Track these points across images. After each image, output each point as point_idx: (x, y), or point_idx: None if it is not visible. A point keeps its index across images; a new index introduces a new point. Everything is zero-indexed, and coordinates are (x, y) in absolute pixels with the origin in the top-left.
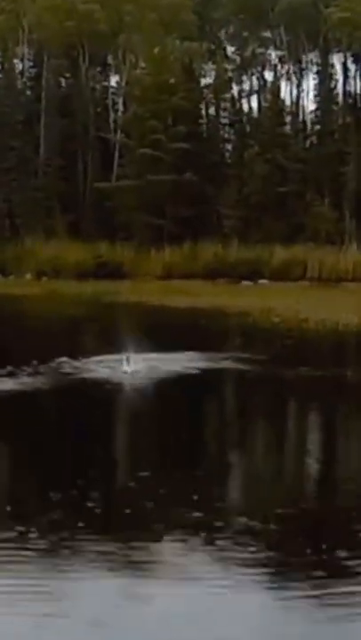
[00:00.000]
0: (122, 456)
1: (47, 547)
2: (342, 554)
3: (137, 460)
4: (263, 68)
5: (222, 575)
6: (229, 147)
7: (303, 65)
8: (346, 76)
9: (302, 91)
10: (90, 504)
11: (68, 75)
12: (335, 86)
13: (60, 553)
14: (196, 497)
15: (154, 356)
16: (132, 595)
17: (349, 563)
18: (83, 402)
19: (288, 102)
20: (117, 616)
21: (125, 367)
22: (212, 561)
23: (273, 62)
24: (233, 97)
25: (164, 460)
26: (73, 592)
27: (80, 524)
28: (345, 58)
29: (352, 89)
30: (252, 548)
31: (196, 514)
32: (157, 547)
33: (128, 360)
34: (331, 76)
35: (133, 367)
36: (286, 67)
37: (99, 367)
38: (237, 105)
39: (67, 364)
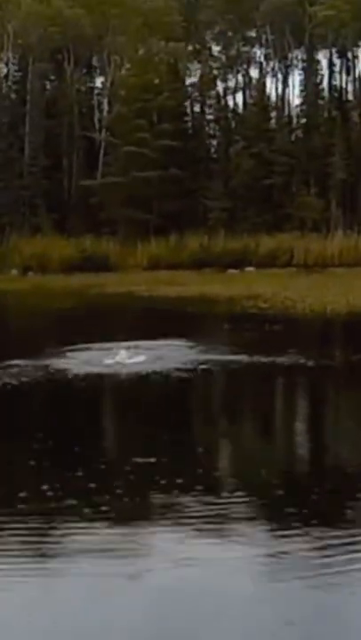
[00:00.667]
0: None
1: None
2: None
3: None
4: (249, 66)
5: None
6: (215, 142)
7: (288, 62)
8: (331, 71)
9: (288, 86)
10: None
11: (52, 77)
12: (321, 81)
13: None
14: None
15: (148, 344)
16: (128, 570)
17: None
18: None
19: (273, 98)
20: (114, 593)
21: (122, 358)
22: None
23: (258, 60)
24: (218, 94)
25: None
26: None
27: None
28: (330, 53)
29: (337, 83)
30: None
31: None
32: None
33: (125, 350)
34: (316, 72)
35: (132, 358)
36: (272, 64)
37: (99, 358)
38: (223, 102)
39: (64, 356)
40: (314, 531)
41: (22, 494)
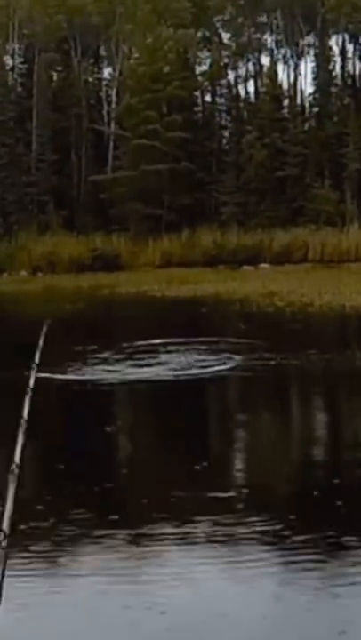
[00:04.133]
0: None
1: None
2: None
3: None
4: (259, 53)
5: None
6: (226, 133)
7: (300, 48)
8: (344, 58)
9: (300, 74)
10: None
11: (59, 68)
12: (333, 68)
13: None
14: None
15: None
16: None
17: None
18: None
19: (285, 86)
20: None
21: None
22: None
23: (269, 47)
24: (229, 83)
25: None
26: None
27: None
28: (343, 39)
29: (350, 70)
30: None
31: None
32: None
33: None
34: (329, 58)
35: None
36: (283, 51)
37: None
38: (234, 91)
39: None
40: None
41: None
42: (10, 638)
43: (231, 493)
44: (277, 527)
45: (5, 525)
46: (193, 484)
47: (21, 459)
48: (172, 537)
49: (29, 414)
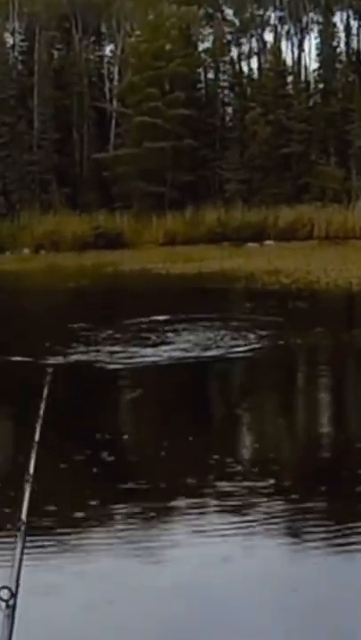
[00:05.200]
0: None
1: None
2: None
3: None
4: (263, 30)
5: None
6: (230, 110)
7: (304, 25)
8: (348, 34)
9: (303, 51)
10: None
11: (60, 46)
12: (338, 44)
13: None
14: None
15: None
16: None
17: None
18: None
19: (289, 62)
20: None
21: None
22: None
23: (273, 23)
24: (232, 60)
25: None
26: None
27: None
28: (347, 15)
29: (355, 46)
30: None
31: None
32: None
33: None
34: (333, 35)
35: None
36: (287, 27)
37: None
38: (237, 67)
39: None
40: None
41: None
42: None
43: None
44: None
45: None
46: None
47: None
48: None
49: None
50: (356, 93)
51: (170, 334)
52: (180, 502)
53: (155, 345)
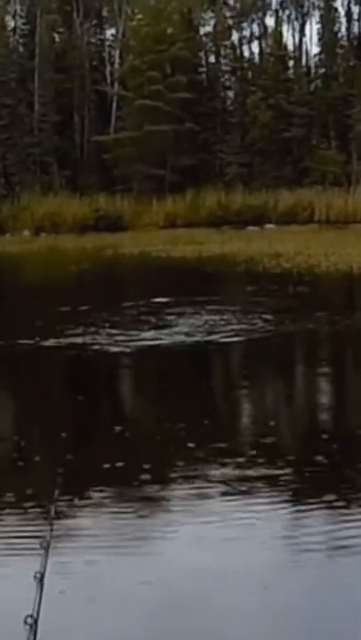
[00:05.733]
0: None
1: None
2: None
3: None
4: (264, 14)
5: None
6: (231, 94)
7: (305, 9)
8: (349, 19)
9: (305, 35)
10: None
11: (61, 29)
12: (339, 29)
13: None
14: None
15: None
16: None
17: None
18: None
19: (290, 47)
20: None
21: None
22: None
23: (274, 7)
24: (233, 44)
25: None
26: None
27: None
28: (348, 0)
29: (356, 31)
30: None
31: None
32: None
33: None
34: (334, 20)
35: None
36: (288, 11)
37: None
38: (238, 52)
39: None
40: None
41: None
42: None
43: None
44: None
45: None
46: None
47: None
48: None
49: None
50: (357, 78)
51: (169, 317)
52: (180, 484)
53: (154, 328)
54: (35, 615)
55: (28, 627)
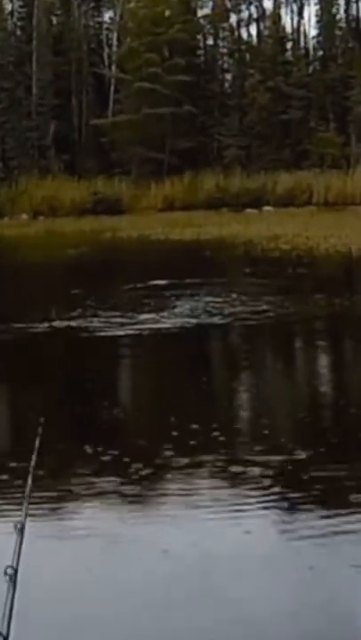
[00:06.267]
0: None
1: None
2: None
3: None
4: None
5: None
6: (229, 77)
7: None
8: (348, 1)
9: (303, 17)
10: None
11: (59, 12)
12: (337, 11)
13: None
14: None
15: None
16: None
17: None
18: None
19: (289, 29)
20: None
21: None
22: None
23: None
24: (231, 26)
25: None
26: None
27: None
28: None
29: (354, 13)
30: None
31: None
32: None
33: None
34: (332, 1)
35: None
36: None
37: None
38: (236, 34)
39: None
40: None
41: None
42: None
43: None
44: None
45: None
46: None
47: None
48: None
49: None
50: (356, 60)
51: (169, 300)
52: (180, 469)
53: (154, 311)
54: (15, 566)
55: (7, 577)
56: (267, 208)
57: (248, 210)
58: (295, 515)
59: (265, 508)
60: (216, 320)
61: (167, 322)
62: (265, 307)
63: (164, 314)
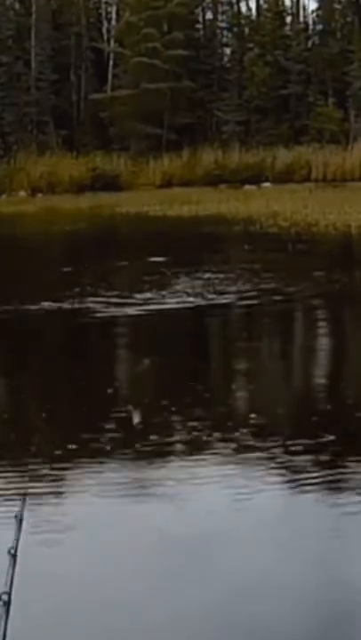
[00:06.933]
0: None
1: None
2: None
3: None
4: None
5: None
6: (228, 51)
7: None
8: None
9: None
10: None
11: None
12: None
13: None
14: None
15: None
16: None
17: None
18: None
19: (288, 3)
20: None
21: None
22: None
23: None
24: (230, 0)
25: None
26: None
27: None
28: None
29: None
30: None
31: None
32: None
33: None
34: None
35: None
36: None
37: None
38: (235, 8)
39: None
40: None
41: None
42: None
43: None
44: None
45: None
46: None
47: None
48: None
49: None
50: (355, 34)
51: (168, 277)
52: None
53: (154, 288)
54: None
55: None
56: (265, 184)
57: (247, 186)
58: (302, 495)
59: (270, 484)
60: (218, 298)
61: (166, 300)
62: (265, 284)
63: (163, 292)
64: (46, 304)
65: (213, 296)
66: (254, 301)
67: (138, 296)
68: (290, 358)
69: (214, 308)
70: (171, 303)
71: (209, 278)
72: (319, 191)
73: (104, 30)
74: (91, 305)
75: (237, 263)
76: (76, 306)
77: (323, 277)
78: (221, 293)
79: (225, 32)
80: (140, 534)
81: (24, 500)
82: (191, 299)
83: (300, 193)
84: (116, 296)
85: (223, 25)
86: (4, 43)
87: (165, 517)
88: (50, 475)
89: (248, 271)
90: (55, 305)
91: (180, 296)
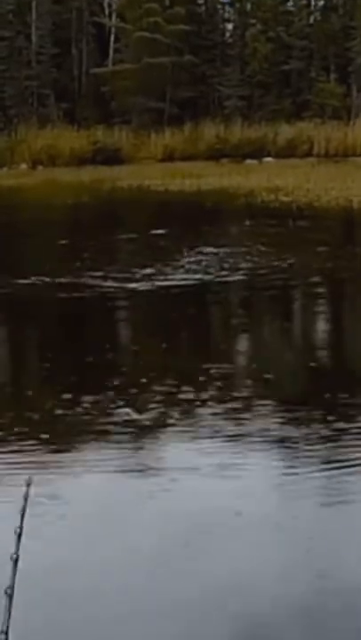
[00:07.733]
0: None
1: None
2: None
3: None
4: None
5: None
6: (230, 26)
7: None
8: None
9: None
10: None
11: None
12: None
13: None
14: None
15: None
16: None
17: None
18: None
19: None
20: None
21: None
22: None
23: None
24: None
25: None
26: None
27: None
28: None
29: None
30: None
31: None
32: None
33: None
34: None
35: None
36: None
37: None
38: None
39: None
40: None
41: None
42: None
43: None
44: None
45: None
46: None
47: None
48: None
49: None
50: (357, 10)
51: (171, 253)
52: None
53: (155, 262)
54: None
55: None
56: (267, 159)
57: (248, 161)
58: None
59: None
60: (221, 274)
61: (169, 276)
62: (267, 259)
63: (167, 269)
64: (47, 279)
65: (215, 272)
66: (257, 277)
67: (140, 271)
68: (305, 329)
69: (217, 284)
70: (173, 278)
71: (210, 253)
72: (321, 166)
73: (105, 4)
74: (91, 279)
75: (238, 238)
76: (68, 281)
77: (325, 253)
78: (223, 270)
79: (227, 7)
80: (142, 514)
81: (29, 483)
82: (193, 275)
83: (302, 168)
84: (118, 270)
85: (225, 0)
86: (4, 17)
87: (166, 499)
88: (53, 455)
89: (249, 247)
90: (48, 280)
91: (182, 271)
